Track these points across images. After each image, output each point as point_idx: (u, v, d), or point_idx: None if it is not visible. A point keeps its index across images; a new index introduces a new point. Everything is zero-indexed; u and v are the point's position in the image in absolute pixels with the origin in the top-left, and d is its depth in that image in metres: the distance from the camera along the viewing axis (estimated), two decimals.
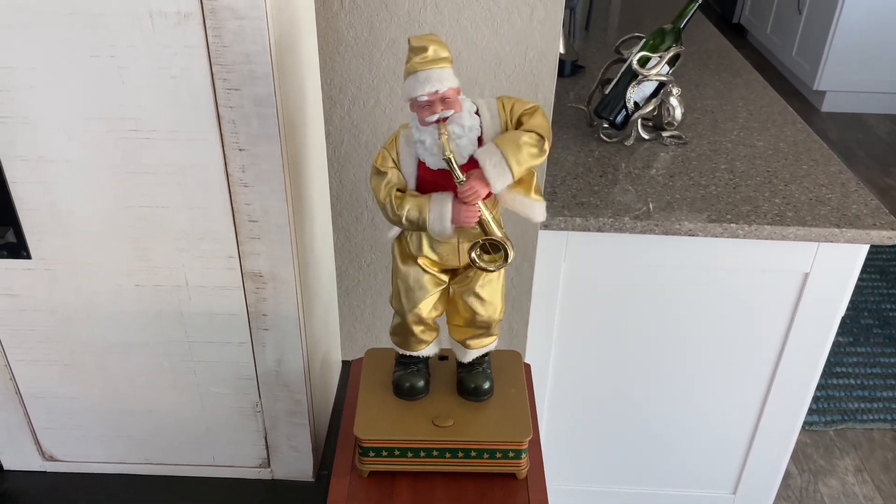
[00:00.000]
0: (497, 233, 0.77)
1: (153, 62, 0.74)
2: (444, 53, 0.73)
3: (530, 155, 0.74)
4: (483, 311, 0.85)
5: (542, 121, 0.76)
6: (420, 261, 0.82)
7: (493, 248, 0.78)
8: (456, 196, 0.75)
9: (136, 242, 0.86)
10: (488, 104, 0.77)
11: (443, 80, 0.72)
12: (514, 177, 0.74)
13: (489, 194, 0.75)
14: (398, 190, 0.77)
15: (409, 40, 0.74)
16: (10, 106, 0.77)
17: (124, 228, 0.85)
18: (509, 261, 0.78)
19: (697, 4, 1.54)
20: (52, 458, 1.07)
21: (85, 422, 1.03)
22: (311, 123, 0.98)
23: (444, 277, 0.85)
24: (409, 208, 0.76)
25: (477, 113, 0.76)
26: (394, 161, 0.77)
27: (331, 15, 1.09)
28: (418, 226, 0.77)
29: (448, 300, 0.88)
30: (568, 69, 1.93)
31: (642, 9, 2.54)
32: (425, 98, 0.72)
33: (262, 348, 0.94)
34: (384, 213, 0.78)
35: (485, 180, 0.74)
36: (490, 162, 0.73)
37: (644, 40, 1.56)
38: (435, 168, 0.75)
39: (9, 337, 0.95)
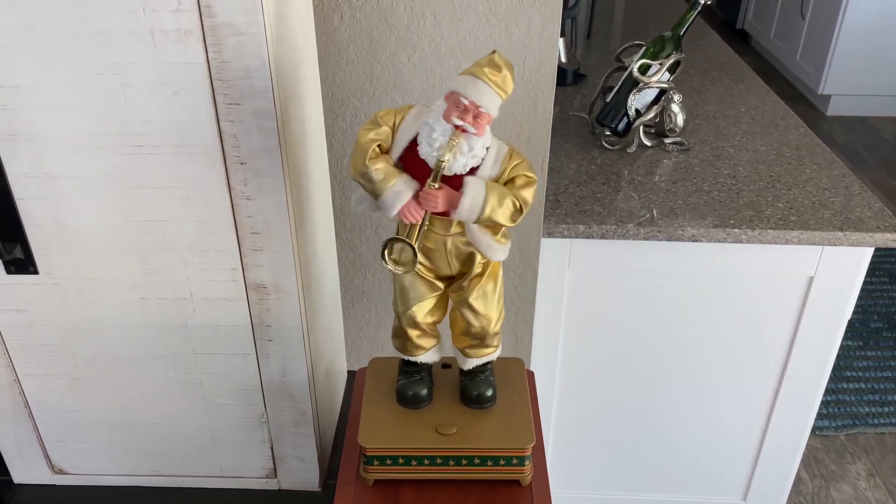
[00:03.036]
0: (415, 238, 0.79)
1: (155, 78, 0.76)
2: (509, 86, 0.75)
3: (504, 215, 0.77)
4: (476, 323, 0.87)
5: (529, 195, 0.78)
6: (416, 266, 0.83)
7: (404, 254, 0.79)
8: (420, 195, 0.76)
9: (141, 256, 0.88)
10: (499, 148, 0.78)
11: (490, 101, 0.74)
12: (477, 220, 0.76)
13: (446, 213, 0.77)
14: (379, 146, 0.77)
15: (494, 51, 0.75)
16: (16, 123, 0.79)
17: (129, 242, 0.87)
18: (412, 268, 0.80)
19: (697, 11, 1.55)
20: (61, 472, 1.08)
21: (93, 435, 1.04)
22: (313, 136, 0.99)
23: (440, 284, 0.86)
24: (377, 168, 0.76)
25: (487, 149, 0.78)
26: (394, 124, 0.78)
27: (331, 29, 1.11)
28: (373, 188, 0.77)
29: (446, 308, 0.89)
30: (570, 78, 1.94)
31: (644, 17, 2.55)
32: (467, 102, 0.73)
33: (267, 359, 0.95)
34: (354, 157, 0.77)
35: (452, 202, 0.76)
36: (470, 195, 0.75)
37: (644, 48, 1.57)
38: (420, 156, 0.76)
39: (18, 351, 0.96)
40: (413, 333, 0.88)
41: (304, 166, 0.92)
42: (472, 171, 0.77)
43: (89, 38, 0.73)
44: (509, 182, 0.78)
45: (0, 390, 0.99)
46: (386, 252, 0.79)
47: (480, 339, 0.89)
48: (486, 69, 0.74)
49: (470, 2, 1.08)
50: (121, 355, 0.96)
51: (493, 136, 0.78)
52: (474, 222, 0.77)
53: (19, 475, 1.08)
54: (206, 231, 0.85)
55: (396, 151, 0.78)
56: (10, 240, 0.86)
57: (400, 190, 0.76)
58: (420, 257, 0.82)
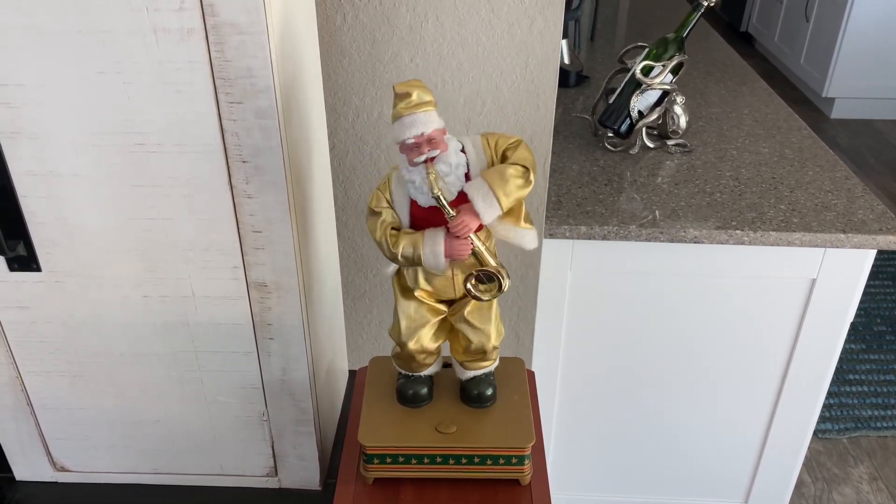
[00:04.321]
0: (491, 263, 0.80)
1: (158, 77, 0.76)
2: (428, 97, 0.76)
3: (517, 186, 0.77)
4: (475, 338, 0.87)
5: (526, 153, 0.78)
6: (417, 294, 0.85)
7: (487, 277, 0.81)
8: (448, 231, 0.77)
9: (144, 254, 0.88)
10: (473, 141, 0.79)
11: (427, 122, 0.75)
12: (502, 208, 0.77)
13: (480, 226, 0.78)
14: (393, 228, 0.80)
15: (393, 87, 0.77)
16: (19, 122, 0.79)
17: (132, 240, 0.87)
18: (503, 289, 0.80)
19: (700, 14, 1.55)
20: (63, 469, 1.08)
21: (95, 432, 1.04)
22: (315, 135, 1.00)
23: (443, 307, 0.87)
24: (403, 245, 0.79)
25: (463, 151, 0.79)
26: (387, 201, 0.80)
27: (334, 29, 1.11)
28: (414, 262, 0.80)
29: (449, 328, 0.90)
30: (573, 80, 1.94)
31: (648, 19, 2.55)
32: (412, 140, 0.75)
33: (268, 357, 0.95)
34: (381, 251, 0.81)
35: (475, 213, 0.76)
36: (479, 195, 0.76)
37: (647, 49, 1.57)
38: (426, 205, 0.78)
39: (20, 349, 0.96)
40: (421, 357, 0.90)
41: (305, 165, 0.93)
42: (467, 176, 0.78)
43: (92, 36, 0.74)
44: (502, 159, 0.79)
45: (2, 387, 1.00)
46: (472, 287, 0.80)
47: (482, 354, 0.90)
48: (399, 106, 0.76)
49: (472, 3, 1.09)
50: (122, 353, 0.96)
51: (458, 136, 0.80)
52: (502, 211, 0.77)
53: (21, 472, 1.08)
54: (208, 229, 0.86)
55: (406, 219, 0.80)
56: (13, 237, 0.87)
57: (432, 244, 0.78)
58: (425, 284, 0.84)
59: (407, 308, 0.86)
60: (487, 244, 0.80)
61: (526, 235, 0.80)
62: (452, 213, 0.77)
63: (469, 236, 0.78)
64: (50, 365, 0.97)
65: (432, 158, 0.76)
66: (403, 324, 0.87)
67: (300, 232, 0.89)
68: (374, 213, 0.80)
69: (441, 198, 0.76)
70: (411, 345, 0.88)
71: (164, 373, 0.98)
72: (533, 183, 0.78)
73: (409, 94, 0.75)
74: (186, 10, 0.72)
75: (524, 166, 0.77)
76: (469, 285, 0.81)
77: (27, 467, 1.08)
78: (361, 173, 1.24)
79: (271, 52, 0.75)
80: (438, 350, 0.92)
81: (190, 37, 0.74)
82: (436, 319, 0.87)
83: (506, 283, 0.80)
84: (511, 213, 0.80)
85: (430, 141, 0.75)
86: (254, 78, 0.76)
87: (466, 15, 1.10)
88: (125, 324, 0.93)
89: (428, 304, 0.86)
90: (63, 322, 0.94)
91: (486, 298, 0.81)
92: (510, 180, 0.76)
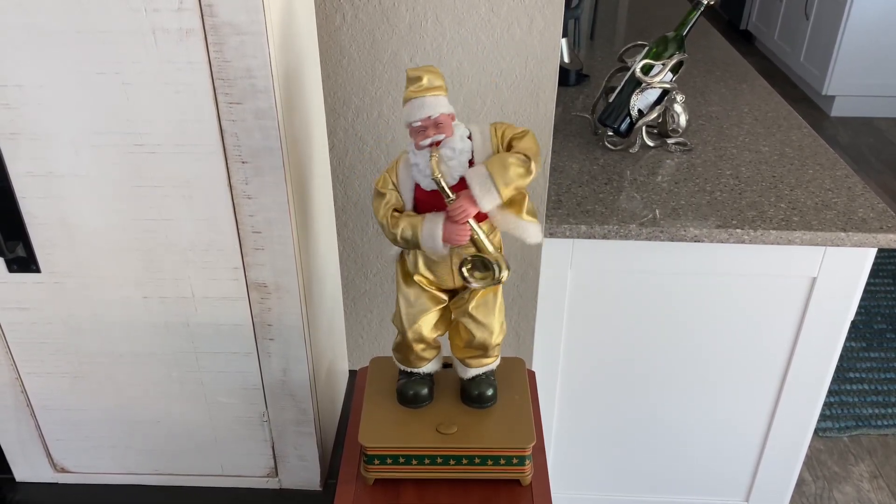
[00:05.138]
0: (489, 250, 0.79)
1: (157, 78, 0.76)
2: (438, 82, 0.77)
3: (517, 175, 0.77)
4: (478, 333, 0.87)
5: (530, 143, 0.78)
6: (417, 278, 0.85)
7: (484, 265, 0.80)
8: (448, 215, 0.77)
9: (143, 255, 0.88)
10: (481, 129, 0.80)
11: (435, 106, 0.76)
12: (500, 196, 0.77)
13: (482, 214, 0.78)
14: (395, 210, 0.81)
15: (406, 71, 0.78)
16: (19, 123, 0.79)
17: (131, 241, 0.87)
18: (500, 278, 0.80)
19: (700, 12, 1.55)
20: (63, 470, 1.08)
21: (95, 433, 1.04)
22: (314, 135, 1.00)
23: (444, 296, 0.87)
24: (403, 227, 0.79)
25: (470, 138, 0.79)
26: (393, 184, 0.81)
27: (333, 29, 1.11)
28: (413, 244, 0.80)
29: (449, 322, 0.90)
30: (573, 78, 1.94)
31: (647, 17, 2.55)
32: (419, 123, 0.76)
33: (268, 358, 0.95)
34: (383, 232, 0.82)
35: (473, 199, 0.76)
36: (477, 181, 0.76)
37: (647, 48, 1.57)
38: (429, 189, 0.78)
39: (20, 350, 0.96)
40: (419, 347, 0.89)
41: (305, 165, 0.93)
42: (471, 163, 0.78)
43: (91, 37, 0.74)
44: (509, 149, 0.79)
45: (2, 388, 1.00)
46: (465, 270, 0.80)
47: (483, 350, 0.89)
48: (410, 89, 0.77)
49: (472, 2, 1.09)
50: (122, 354, 0.96)
51: (468, 123, 0.80)
52: (500, 199, 0.77)
53: (21, 473, 1.08)
54: (208, 230, 0.86)
55: (409, 201, 0.81)
56: (13, 238, 0.86)
57: (430, 227, 0.78)
58: (424, 271, 0.84)
59: (407, 293, 0.86)
60: (491, 237, 0.80)
61: (529, 228, 0.80)
62: (452, 197, 0.77)
63: (469, 222, 0.77)
64: (50, 366, 0.97)
65: (438, 142, 0.76)
66: (403, 309, 0.87)
67: (300, 232, 0.89)
68: (379, 195, 0.81)
69: (441, 182, 0.76)
70: (409, 332, 0.87)
71: (165, 373, 0.98)
72: (534, 173, 0.78)
73: (419, 78, 0.76)
74: (185, 10, 0.72)
75: (526, 155, 0.77)
76: (464, 269, 0.80)
77: (27, 468, 1.08)
78: (361, 173, 1.24)
79: (271, 52, 0.75)
80: (437, 344, 0.91)
81: (189, 37, 0.73)
82: (436, 308, 0.87)
83: (504, 273, 0.80)
84: (513, 204, 0.79)
85: (437, 125, 0.76)
86: (253, 78, 0.76)
87: (466, 14, 1.10)
88: (125, 324, 0.93)
89: (429, 291, 0.85)
90: (63, 323, 0.94)
91: (479, 286, 0.81)
92: (510, 168, 0.76)
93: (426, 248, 0.79)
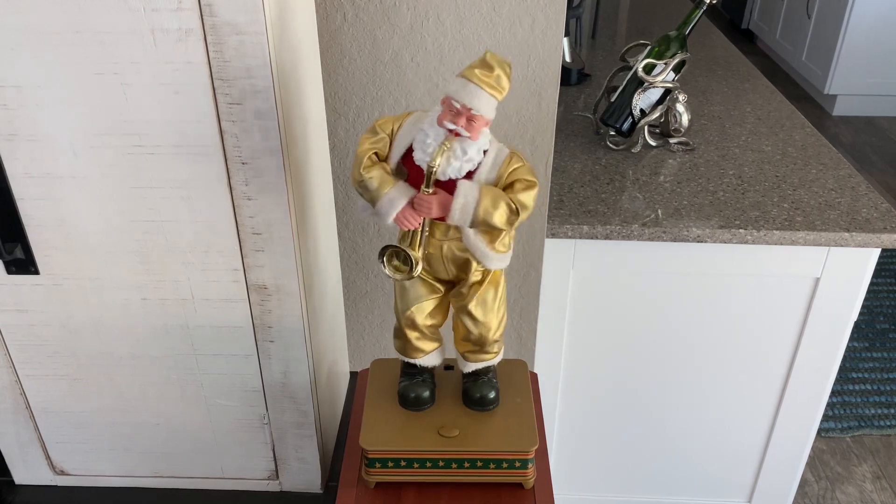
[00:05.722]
0: (416, 250, 0.78)
1: (156, 78, 0.75)
2: (504, 84, 0.73)
3: (500, 220, 0.75)
4: (475, 330, 0.86)
5: (528, 199, 0.76)
6: None
7: (405, 261, 0.79)
8: (414, 201, 0.76)
9: (143, 256, 0.87)
10: (499, 151, 0.77)
11: (482, 102, 0.72)
12: (471, 224, 0.75)
13: (442, 218, 0.76)
14: (377, 155, 0.77)
15: (486, 53, 0.74)
16: (17, 123, 0.78)
17: (130, 243, 0.86)
18: (412, 275, 0.79)
19: (702, 11, 1.54)
20: (63, 473, 1.08)
21: (94, 436, 1.03)
22: (315, 136, 0.99)
23: (439, 286, 0.85)
24: (373, 175, 0.76)
25: (485, 152, 0.76)
26: (393, 131, 0.78)
27: (334, 29, 1.10)
28: (368, 196, 0.77)
29: (447, 311, 0.89)
30: (574, 78, 1.93)
31: (649, 17, 2.54)
32: (458, 105, 0.72)
33: (268, 360, 0.95)
34: (353, 166, 0.78)
35: (446, 207, 0.75)
36: (462, 198, 0.74)
37: (649, 47, 1.56)
38: (416, 162, 0.76)
39: (19, 352, 0.96)
40: (412, 335, 0.88)
41: (305, 166, 0.92)
42: (470, 175, 0.76)
43: (90, 37, 0.73)
44: (508, 187, 0.76)
45: (1, 391, 0.99)
46: (385, 258, 0.79)
47: (480, 346, 0.88)
48: (476, 70, 0.72)
49: (473, 1, 1.08)
50: (122, 356, 0.95)
51: (495, 139, 0.77)
52: (470, 226, 0.76)
53: (20, 476, 1.08)
54: (208, 231, 0.85)
55: (395, 158, 0.78)
56: (11, 240, 0.86)
57: (394, 197, 0.76)
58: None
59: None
60: (433, 236, 0.79)
61: (493, 258, 0.79)
62: (430, 191, 0.75)
63: (423, 218, 0.76)
64: (49, 368, 0.97)
65: (458, 134, 0.73)
66: (397, 295, 0.86)
67: (300, 233, 0.89)
68: (373, 131, 0.78)
69: (433, 171, 0.74)
70: (402, 319, 0.86)
71: (164, 375, 0.97)
72: (514, 227, 0.77)
73: (491, 70, 0.72)
74: (184, 10, 0.71)
75: (518, 209, 0.75)
76: (384, 257, 0.79)
77: (27, 471, 1.07)
78: None
79: (270, 52, 0.74)
80: (435, 336, 0.90)
81: (188, 37, 0.73)
82: (431, 297, 0.85)
83: (416, 271, 0.78)
84: (489, 232, 0.78)
85: (471, 120, 0.73)
86: (253, 78, 0.75)
87: (467, 13, 1.09)
88: (124, 326, 0.93)
89: (423, 279, 0.84)
90: (62, 325, 0.93)
91: (391, 276, 0.80)
92: (500, 209, 0.74)
93: (378, 209, 0.77)
